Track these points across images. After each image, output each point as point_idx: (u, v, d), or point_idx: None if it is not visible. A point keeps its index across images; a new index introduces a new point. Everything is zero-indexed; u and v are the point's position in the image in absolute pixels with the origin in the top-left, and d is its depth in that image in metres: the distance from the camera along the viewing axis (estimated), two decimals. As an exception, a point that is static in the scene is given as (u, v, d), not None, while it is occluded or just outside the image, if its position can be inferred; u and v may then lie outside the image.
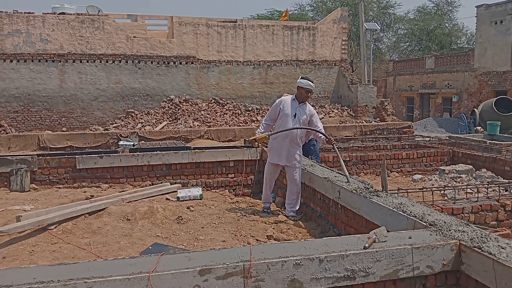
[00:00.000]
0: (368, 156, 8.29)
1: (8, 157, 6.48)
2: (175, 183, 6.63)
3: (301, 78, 5.29)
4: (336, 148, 5.25)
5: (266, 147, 5.60)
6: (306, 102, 5.32)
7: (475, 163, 7.89)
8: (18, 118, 15.75)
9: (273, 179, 5.52)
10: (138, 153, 6.83)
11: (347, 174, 4.61)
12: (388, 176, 7.57)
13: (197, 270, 2.33)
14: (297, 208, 5.36)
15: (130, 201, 5.54)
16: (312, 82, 5.25)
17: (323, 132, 5.30)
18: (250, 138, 5.36)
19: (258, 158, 6.93)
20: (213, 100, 17.49)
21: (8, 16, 15.38)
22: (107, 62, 16.40)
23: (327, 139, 5.24)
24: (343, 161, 5.15)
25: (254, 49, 18.10)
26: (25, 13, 15.72)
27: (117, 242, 4.28)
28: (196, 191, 6.04)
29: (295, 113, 5.16)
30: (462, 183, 6.76)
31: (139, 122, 15.85)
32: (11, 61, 15.46)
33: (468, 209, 4.58)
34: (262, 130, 5.31)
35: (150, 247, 4.00)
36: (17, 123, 15.71)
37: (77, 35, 16.06)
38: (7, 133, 13.77)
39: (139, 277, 2.25)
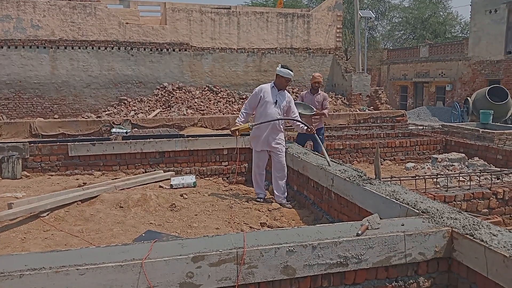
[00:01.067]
0: (362, 144, 8.30)
1: (-1, 144, 6.41)
2: (169, 170, 6.61)
3: (281, 66, 5.35)
4: (317, 138, 5.54)
5: (247, 135, 5.61)
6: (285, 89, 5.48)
7: (468, 151, 7.94)
8: (9, 105, 15.56)
9: (263, 168, 5.54)
10: (131, 140, 6.79)
11: (328, 159, 4.80)
12: (381, 164, 7.60)
13: (190, 257, 2.33)
14: (286, 193, 5.42)
15: (123, 189, 5.52)
16: (292, 71, 5.35)
17: (304, 122, 5.52)
18: (232, 129, 5.26)
19: (252, 146, 6.91)
20: (207, 88, 17.38)
21: (-2, 1, 15.11)
22: (99, 48, 16.19)
23: (308, 129, 5.38)
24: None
25: (248, 36, 17.95)
26: (15, -2, 15.46)
27: (110, 229, 4.27)
28: (190, 179, 6.03)
29: (276, 100, 5.28)
30: (455, 171, 6.80)
31: (132, 110, 15.73)
32: (2, 47, 15.22)
33: (460, 197, 4.61)
34: (242, 119, 5.34)
35: (143, 234, 3.99)
36: (9, 110, 15.52)
37: (68, 21, 15.82)
38: (-2, 120, 13.62)
39: (132, 264, 2.24)
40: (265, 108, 5.24)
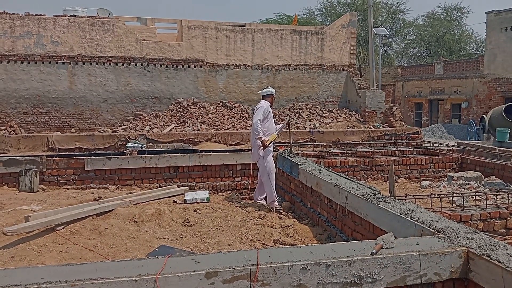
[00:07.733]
0: (376, 162, 8.24)
1: (17, 157, 6.54)
2: (182, 185, 6.65)
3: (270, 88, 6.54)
4: (290, 126, 6.80)
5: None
6: None
7: (484, 170, 7.82)
8: (27, 119, 15.90)
9: None
10: (146, 155, 6.87)
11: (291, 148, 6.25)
12: (396, 182, 7.53)
13: (203, 273, 2.33)
14: None
15: (138, 203, 5.56)
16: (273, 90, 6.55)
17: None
18: (267, 143, 6.00)
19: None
20: (221, 104, 17.53)
21: (20, 18, 15.56)
22: (116, 64, 16.51)
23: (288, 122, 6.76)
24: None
25: (262, 53, 18.13)
26: (36, 15, 15.89)
27: (124, 243, 4.29)
28: (203, 194, 6.06)
29: (273, 115, 6.54)
30: (471, 190, 6.70)
31: (147, 125, 15.92)
32: (22, 62, 15.63)
33: (476, 216, 4.54)
34: (262, 134, 6.05)
35: (157, 249, 4.01)
36: (27, 124, 15.85)
37: (87, 38, 16.20)
38: (16, 134, 13.90)
39: (146, 279, 2.26)
40: (271, 123, 6.28)
